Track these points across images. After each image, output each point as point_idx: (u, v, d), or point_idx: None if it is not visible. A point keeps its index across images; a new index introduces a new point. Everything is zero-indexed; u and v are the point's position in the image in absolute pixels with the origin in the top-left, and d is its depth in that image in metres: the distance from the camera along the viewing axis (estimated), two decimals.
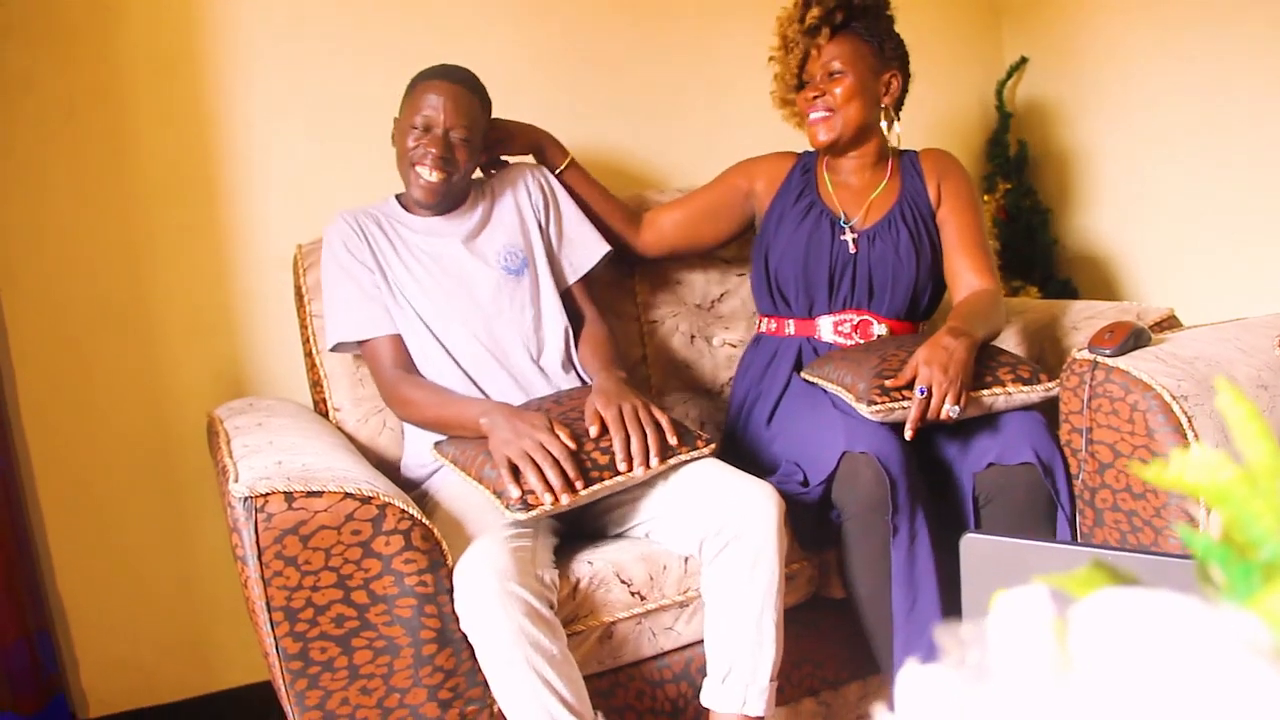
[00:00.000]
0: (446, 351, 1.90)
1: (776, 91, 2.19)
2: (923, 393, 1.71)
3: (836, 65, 2.04)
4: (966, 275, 2.05)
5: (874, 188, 2.13)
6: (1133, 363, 1.68)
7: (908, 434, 1.73)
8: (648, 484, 1.74)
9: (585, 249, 2.08)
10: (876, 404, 1.75)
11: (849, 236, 2.06)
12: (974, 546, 0.88)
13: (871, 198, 2.11)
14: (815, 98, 2.06)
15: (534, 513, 1.58)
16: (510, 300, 1.95)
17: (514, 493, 1.59)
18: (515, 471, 1.61)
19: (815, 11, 2.04)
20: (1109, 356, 1.70)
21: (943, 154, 2.18)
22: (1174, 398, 1.62)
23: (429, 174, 1.88)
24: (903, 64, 2.12)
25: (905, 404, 1.74)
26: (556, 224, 2.07)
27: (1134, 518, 1.66)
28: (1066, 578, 0.37)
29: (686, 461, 1.72)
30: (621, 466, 1.65)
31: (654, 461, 1.67)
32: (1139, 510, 1.65)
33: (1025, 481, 1.77)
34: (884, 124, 2.11)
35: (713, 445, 1.75)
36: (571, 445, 1.64)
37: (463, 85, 1.90)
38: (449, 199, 1.95)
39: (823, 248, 2.05)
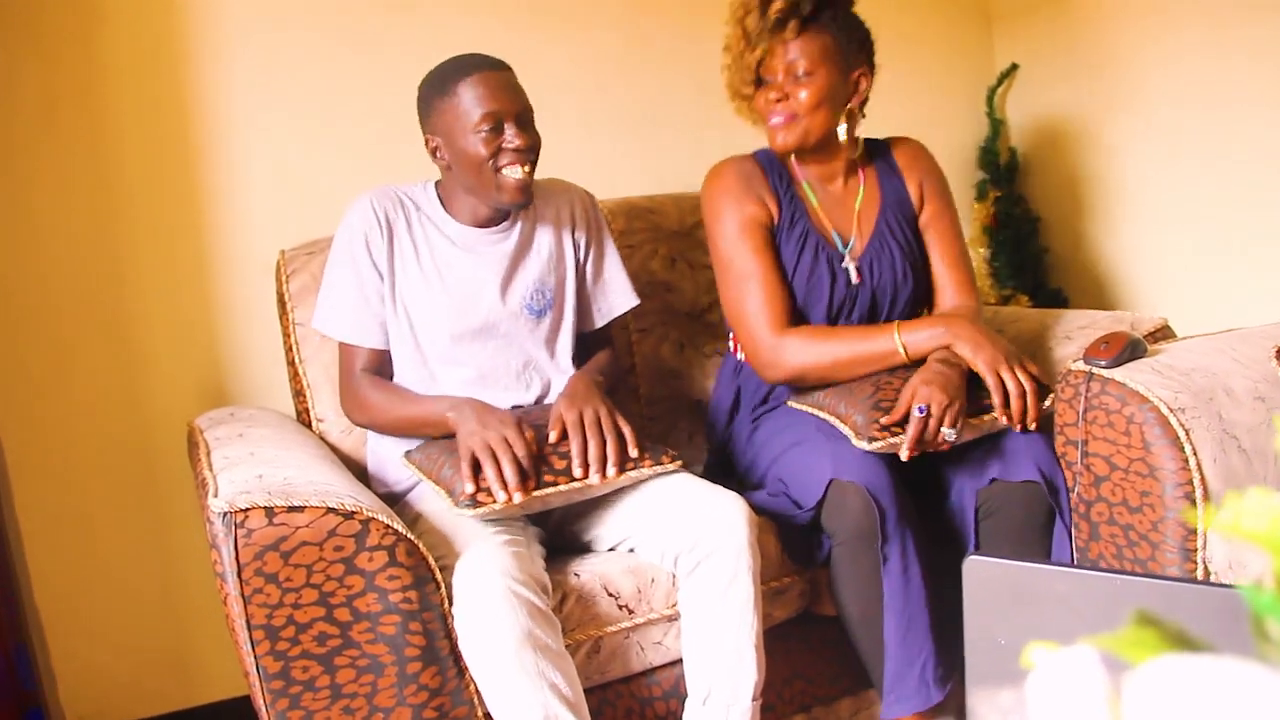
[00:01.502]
0: (433, 374, 1.83)
1: (730, 84, 1.95)
2: (922, 411, 1.66)
3: (803, 65, 1.84)
4: (948, 291, 1.98)
5: (853, 194, 1.99)
6: (1129, 374, 1.66)
7: (904, 455, 1.68)
8: (620, 498, 1.72)
9: (619, 295, 1.98)
10: (877, 440, 1.69)
11: (850, 265, 1.93)
12: (977, 569, 0.86)
13: (857, 209, 1.98)
14: (778, 100, 1.87)
15: (482, 510, 1.56)
16: (525, 340, 1.85)
17: (469, 488, 1.56)
18: (476, 466, 1.58)
19: (780, 3, 1.81)
20: (1105, 368, 1.68)
21: (918, 149, 2.05)
22: (1171, 410, 1.59)
23: (521, 171, 1.73)
24: (870, 59, 1.93)
25: (903, 437, 1.69)
26: (596, 262, 1.96)
27: (1130, 531, 1.64)
28: (1116, 639, 0.34)
29: (650, 477, 1.69)
30: (577, 472, 1.62)
31: (610, 471, 1.63)
32: (1135, 524, 1.63)
33: (1026, 498, 1.75)
34: (843, 127, 1.92)
35: (679, 462, 1.72)
36: (533, 448, 1.61)
37: (507, 69, 1.76)
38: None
39: (822, 285, 1.91)
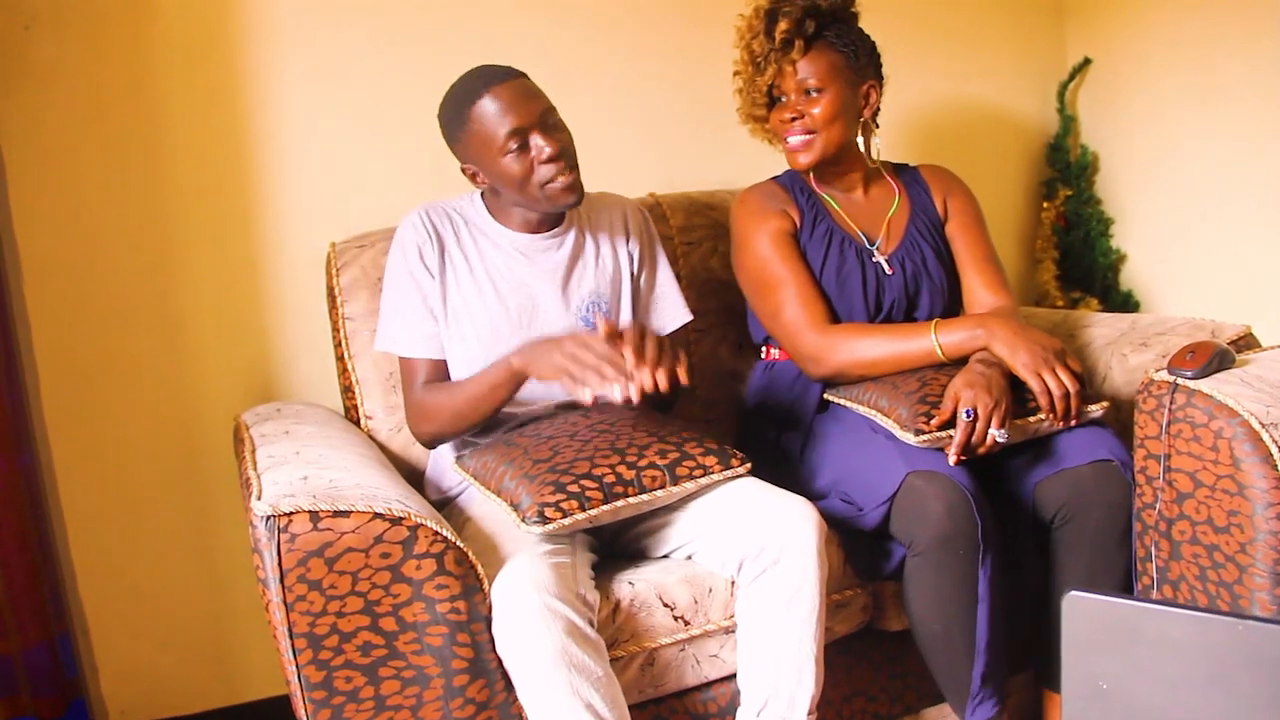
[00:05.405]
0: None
1: (743, 108, 2.01)
2: (969, 415, 1.63)
3: (813, 82, 1.88)
4: (980, 292, 1.98)
5: (883, 204, 2.02)
6: (1216, 386, 1.57)
7: (952, 460, 1.64)
8: (683, 503, 1.67)
9: (671, 311, 1.95)
10: (924, 434, 1.66)
11: (880, 259, 1.94)
12: (1078, 606, 0.79)
13: (889, 216, 2.00)
14: (793, 119, 1.90)
15: (550, 526, 1.50)
16: None
17: (586, 395, 1.53)
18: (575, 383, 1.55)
19: (784, 25, 1.86)
20: (1191, 379, 1.59)
21: (944, 170, 2.11)
22: (1262, 425, 1.51)
23: (563, 176, 1.69)
24: (878, 70, 1.98)
25: (953, 432, 1.65)
26: (649, 276, 1.93)
27: (1215, 553, 1.55)
28: None
29: (720, 481, 1.64)
30: (689, 486, 1.60)
31: (686, 483, 1.61)
32: (1221, 545, 1.54)
33: (1102, 501, 1.70)
34: (860, 139, 1.97)
35: (748, 465, 1.67)
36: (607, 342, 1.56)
37: (516, 75, 1.71)
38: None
39: (854, 278, 1.92)
